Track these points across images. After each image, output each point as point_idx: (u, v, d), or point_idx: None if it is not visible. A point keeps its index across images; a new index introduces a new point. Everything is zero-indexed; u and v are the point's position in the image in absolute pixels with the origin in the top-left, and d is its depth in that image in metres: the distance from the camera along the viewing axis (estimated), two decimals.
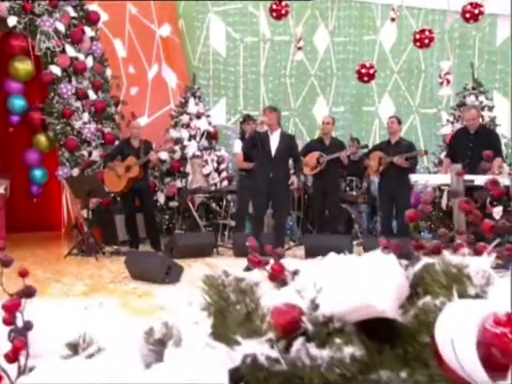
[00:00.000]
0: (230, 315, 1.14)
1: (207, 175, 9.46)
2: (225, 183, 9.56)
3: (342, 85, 11.29)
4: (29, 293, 1.38)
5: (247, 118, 8.82)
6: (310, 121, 11.36)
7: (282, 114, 7.11)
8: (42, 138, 9.27)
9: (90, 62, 9.08)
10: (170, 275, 5.80)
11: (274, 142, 6.78)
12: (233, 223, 9.00)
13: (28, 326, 1.31)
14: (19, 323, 1.30)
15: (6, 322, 1.27)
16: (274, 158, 6.72)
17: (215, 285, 1.24)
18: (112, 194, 8.52)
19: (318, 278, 1.10)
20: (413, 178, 7.36)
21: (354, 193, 9.32)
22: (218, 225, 9.04)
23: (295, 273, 1.24)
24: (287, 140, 6.92)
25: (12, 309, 1.30)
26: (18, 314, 1.30)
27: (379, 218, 8.72)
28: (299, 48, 9.59)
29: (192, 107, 9.68)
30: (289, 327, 0.98)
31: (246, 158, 8.17)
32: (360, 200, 9.48)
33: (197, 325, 1.16)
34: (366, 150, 8.72)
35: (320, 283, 1.05)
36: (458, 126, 8.99)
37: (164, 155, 9.37)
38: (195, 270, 6.79)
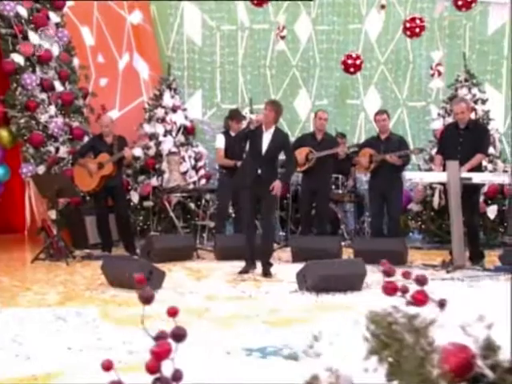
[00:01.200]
0: (405, 361, 1.03)
1: (184, 173, 9.34)
2: (203, 181, 9.52)
3: (326, 76, 11.20)
4: (178, 335, 1.17)
5: (236, 115, 8.64)
6: (291, 115, 11.17)
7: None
8: (3, 133, 8.92)
9: (55, 50, 8.90)
10: (151, 281, 5.60)
11: (267, 139, 6.79)
12: (212, 224, 8.91)
13: (178, 376, 1.11)
14: (167, 372, 1.11)
15: (151, 370, 1.08)
16: (264, 155, 6.74)
17: (385, 323, 1.10)
18: (82, 194, 8.33)
19: (479, 310, 0.97)
20: (407, 175, 7.54)
21: (340, 191, 9.28)
22: (196, 226, 8.94)
23: (442, 304, 1.13)
24: (280, 138, 6.92)
25: (161, 355, 1.10)
26: (167, 361, 1.10)
27: (370, 218, 8.67)
28: (282, 37, 9.59)
29: (167, 100, 9.62)
30: (460, 372, 0.89)
31: (227, 155, 8.22)
32: (346, 199, 9.50)
33: (367, 372, 1.04)
34: (356, 149, 8.64)
35: (486, 317, 0.96)
36: (449, 120, 8.94)
37: (138, 151, 9.28)
38: (176, 275, 6.73)
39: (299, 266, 6.50)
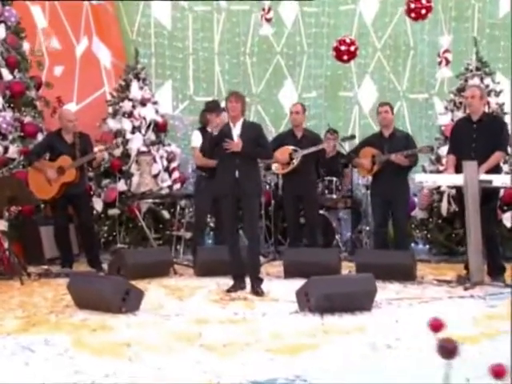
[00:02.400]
0: None
1: (156, 176, 9.10)
2: (177, 185, 9.33)
3: (315, 65, 10.98)
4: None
5: (215, 108, 8.33)
6: (275, 109, 11.04)
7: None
8: None
9: (1, 32, 8.66)
10: (128, 302, 5.58)
11: (237, 134, 6.76)
12: (188, 235, 8.72)
13: None
14: None
15: None
16: (239, 153, 6.66)
17: None
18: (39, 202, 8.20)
19: None
20: (416, 178, 7.31)
21: (334, 196, 9.08)
22: (170, 237, 8.81)
23: None
24: (252, 129, 6.94)
25: None
26: None
27: (373, 227, 8.43)
28: (268, 20, 9.39)
29: (135, 92, 9.35)
30: None
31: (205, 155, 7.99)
32: (340, 205, 9.31)
33: None
34: (349, 147, 8.57)
35: None
36: (459, 115, 8.84)
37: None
38: (154, 294, 6.56)
39: (293, 282, 6.51)
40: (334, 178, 9.09)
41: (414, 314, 5.57)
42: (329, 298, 5.53)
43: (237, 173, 6.73)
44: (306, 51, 11.09)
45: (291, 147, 8.38)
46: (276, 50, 11.08)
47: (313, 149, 8.26)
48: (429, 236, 9.22)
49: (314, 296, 5.58)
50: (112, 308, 5.60)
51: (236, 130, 6.81)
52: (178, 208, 9.04)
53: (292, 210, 8.55)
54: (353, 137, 9.07)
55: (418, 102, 10.83)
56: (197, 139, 8.35)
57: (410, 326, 5.01)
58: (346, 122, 11.05)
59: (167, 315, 5.64)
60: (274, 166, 8.59)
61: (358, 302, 5.69)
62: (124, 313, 5.55)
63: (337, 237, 9.14)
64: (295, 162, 8.34)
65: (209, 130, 7.95)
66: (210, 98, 9.93)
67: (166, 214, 9.04)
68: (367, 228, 9.06)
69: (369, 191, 8.61)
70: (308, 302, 5.62)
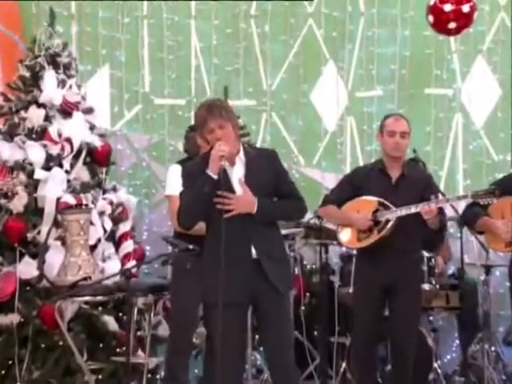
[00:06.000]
0: None
1: (92, 249, 8.03)
2: (132, 268, 7.88)
3: (380, 39, 10.11)
4: None
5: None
6: (305, 120, 10.11)
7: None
8: None
9: None
10: None
11: (237, 176, 6.24)
12: (154, 362, 8.09)
13: None
14: None
15: None
16: (250, 214, 6.09)
17: None
18: None
19: None
20: None
21: (426, 286, 8.18)
22: (121, 367, 7.66)
23: None
24: (263, 163, 6.32)
25: None
26: None
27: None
28: None
29: (51, 91, 8.24)
30: None
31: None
32: (437, 303, 8.62)
33: None
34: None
35: None
36: None
37: None
38: None
39: None
40: (426, 253, 8.11)
41: None
42: None
43: (253, 250, 6.06)
44: (362, 13, 10.24)
45: (375, 199, 7.46)
46: (306, 11, 10.18)
47: (423, 205, 7.35)
48: None
49: None
50: None
51: (236, 171, 6.15)
52: (135, 312, 7.91)
53: (368, 316, 7.51)
54: (494, 191, 7.66)
55: None
56: (176, 181, 7.25)
57: None
58: (439, 142, 10.19)
59: None
60: (343, 236, 7.74)
61: None
62: None
63: (435, 364, 8.02)
64: (386, 228, 7.42)
65: None
66: (183, 100, 10.00)
67: (111, 324, 8.11)
68: (492, 348, 8.09)
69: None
70: None
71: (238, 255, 6.18)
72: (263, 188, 6.23)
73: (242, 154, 6.31)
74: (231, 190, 6.16)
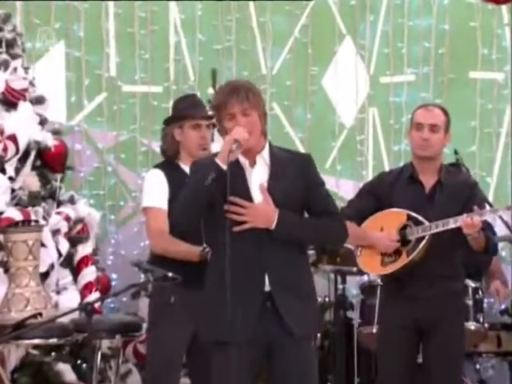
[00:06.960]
0: None
1: (43, 277, 8.02)
2: (94, 302, 7.42)
3: (413, 10, 9.81)
4: None
5: (192, 114, 7.62)
6: (315, 112, 9.92)
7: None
8: None
9: None
10: None
11: (257, 179, 5.94)
12: None
13: None
14: None
15: None
16: (268, 229, 5.76)
17: None
18: None
19: None
20: None
21: (472, 326, 8.16)
22: None
23: None
24: (294, 167, 6.16)
25: None
26: None
27: None
28: None
29: None
30: None
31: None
32: (486, 347, 8.74)
33: None
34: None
35: None
36: None
37: None
38: None
39: None
40: (472, 283, 7.94)
41: None
42: None
43: (267, 280, 5.78)
44: None
45: (403, 211, 7.33)
46: None
47: (462, 219, 7.34)
48: None
49: None
50: None
51: (258, 173, 5.85)
52: (99, 358, 8.04)
53: (397, 362, 7.46)
54: None
55: None
56: (156, 191, 7.36)
57: None
58: (486, 141, 9.92)
59: None
60: (364, 260, 7.87)
61: None
62: None
63: None
64: (418, 249, 7.32)
65: (182, 165, 7.26)
66: (159, 87, 9.85)
67: (68, 374, 8.07)
68: None
69: None
70: None
71: (246, 284, 5.97)
72: (290, 199, 5.98)
73: (266, 153, 6.06)
74: (247, 197, 5.90)
